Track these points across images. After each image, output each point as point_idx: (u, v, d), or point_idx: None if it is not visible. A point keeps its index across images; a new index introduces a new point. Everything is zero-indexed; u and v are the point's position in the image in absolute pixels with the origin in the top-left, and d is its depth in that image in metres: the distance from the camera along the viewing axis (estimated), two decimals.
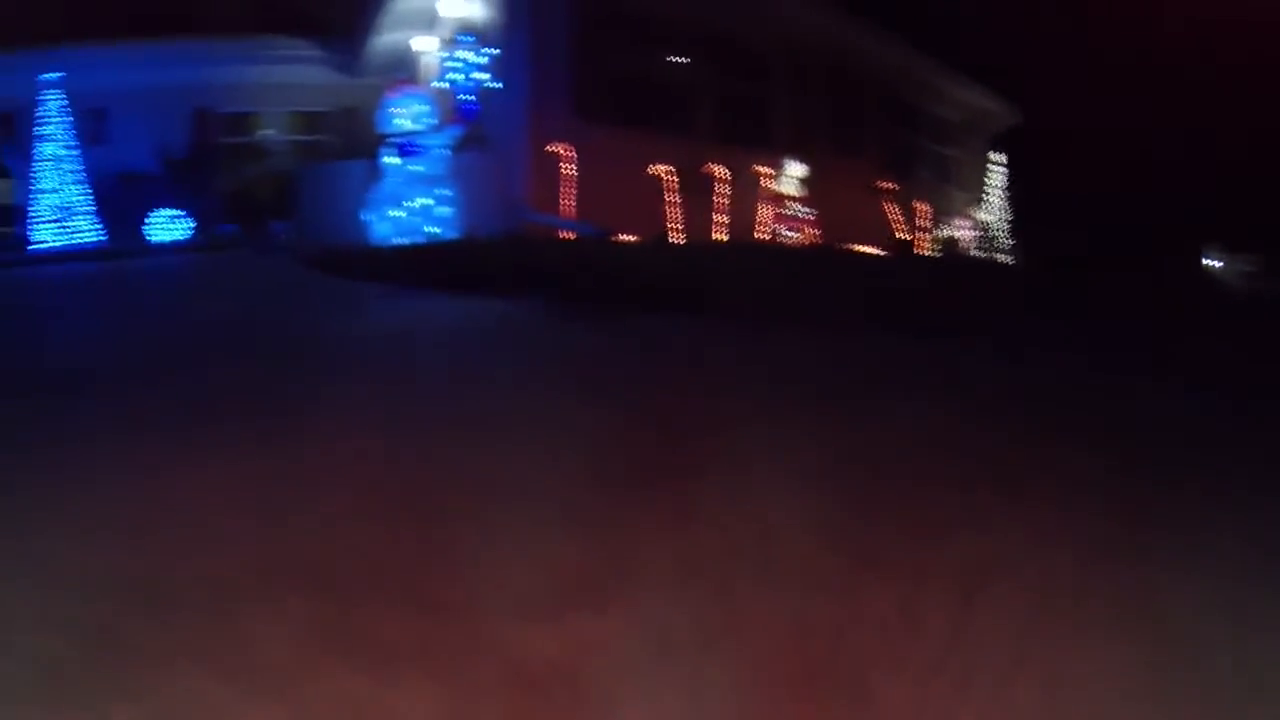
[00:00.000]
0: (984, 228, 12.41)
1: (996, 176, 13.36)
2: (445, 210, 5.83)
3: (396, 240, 5.69)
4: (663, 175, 7.31)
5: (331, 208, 6.19)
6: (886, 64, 11.16)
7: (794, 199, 8.42)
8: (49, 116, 10.42)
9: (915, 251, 10.45)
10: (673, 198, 7.33)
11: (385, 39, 10.32)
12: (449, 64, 6.26)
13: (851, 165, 10.43)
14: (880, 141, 11.18)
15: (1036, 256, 12.42)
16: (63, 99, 10.56)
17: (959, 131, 13.46)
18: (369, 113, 12.47)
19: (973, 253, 11.66)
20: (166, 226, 10.18)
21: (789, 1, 9.35)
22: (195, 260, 6.91)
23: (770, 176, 8.38)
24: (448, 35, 8.99)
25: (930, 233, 11.07)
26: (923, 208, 10.84)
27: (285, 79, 12.03)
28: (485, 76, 6.24)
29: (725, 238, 7.80)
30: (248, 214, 6.32)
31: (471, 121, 6.13)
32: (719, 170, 7.91)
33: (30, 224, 10.18)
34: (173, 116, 11.85)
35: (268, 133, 12.17)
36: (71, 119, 10.67)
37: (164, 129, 11.76)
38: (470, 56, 6.23)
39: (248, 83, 11.99)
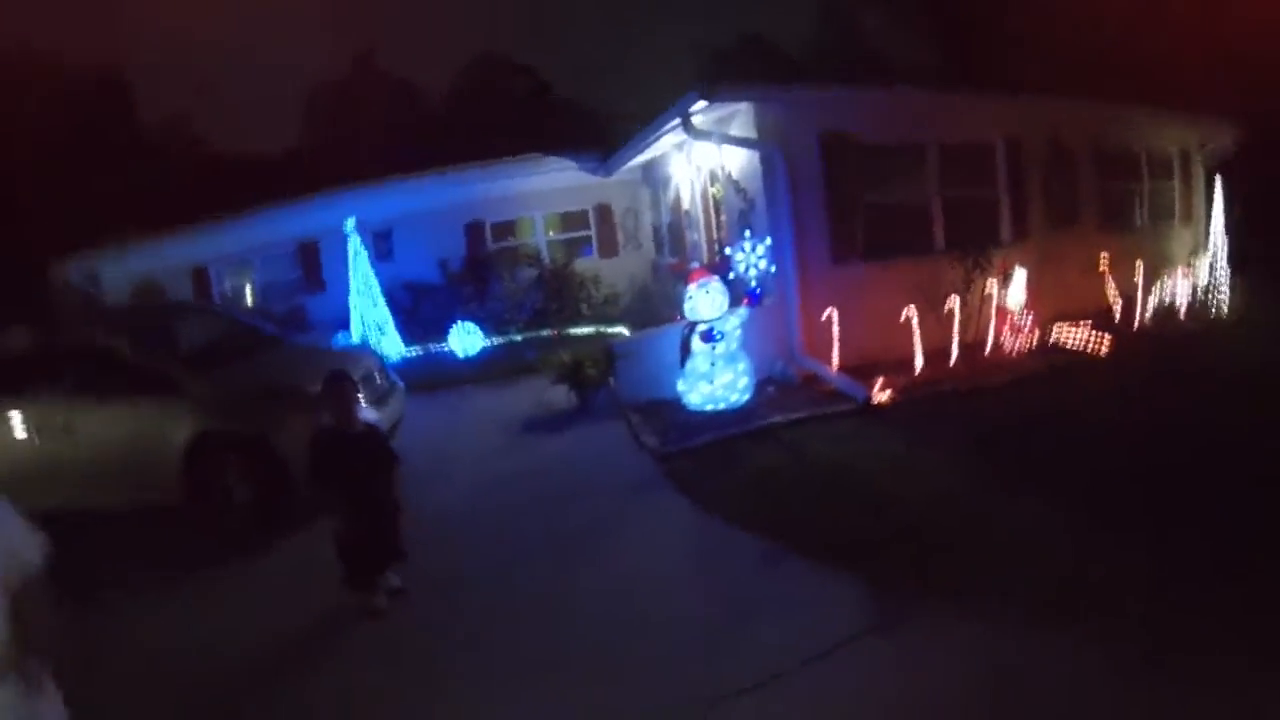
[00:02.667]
0: (1206, 279, 12.70)
1: (1218, 212, 13.49)
2: (746, 378, 7.52)
3: (708, 407, 7.46)
4: (909, 304, 8.68)
5: (646, 370, 8.03)
6: (1098, 122, 11.84)
7: (1019, 307, 9.55)
8: (354, 249, 13.05)
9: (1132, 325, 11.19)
10: (918, 321, 8.69)
11: (638, 157, 12.32)
12: (737, 257, 7.90)
13: (1069, 237, 11.31)
14: (1096, 201, 11.88)
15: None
16: (361, 234, 13.19)
17: (1177, 164, 13.82)
18: (618, 207, 14.81)
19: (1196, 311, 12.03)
20: (463, 339, 12.62)
21: (1010, 103, 10.44)
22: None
23: (999, 286, 9.54)
24: (704, 176, 10.82)
25: (1148, 298, 11.66)
26: (1139, 271, 11.43)
27: (543, 187, 14.39)
28: (765, 265, 7.83)
29: (957, 352, 9.11)
30: (581, 385, 8.24)
31: (755, 303, 7.78)
32: (952, 286, 9.21)
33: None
34: (447, 231, 14.45)
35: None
36: (368, 246, 13.34)
37: (441, 243, 14.37)
38: (751, 249, 7.85)
39: (512, 194, 14.44)
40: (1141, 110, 12.48)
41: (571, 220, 15.18)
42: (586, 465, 6.87)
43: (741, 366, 7.56)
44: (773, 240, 8.36)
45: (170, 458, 6.23)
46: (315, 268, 14.88)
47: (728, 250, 8.21)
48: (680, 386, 7.70)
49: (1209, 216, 13.49)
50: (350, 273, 12.98)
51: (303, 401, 6.11)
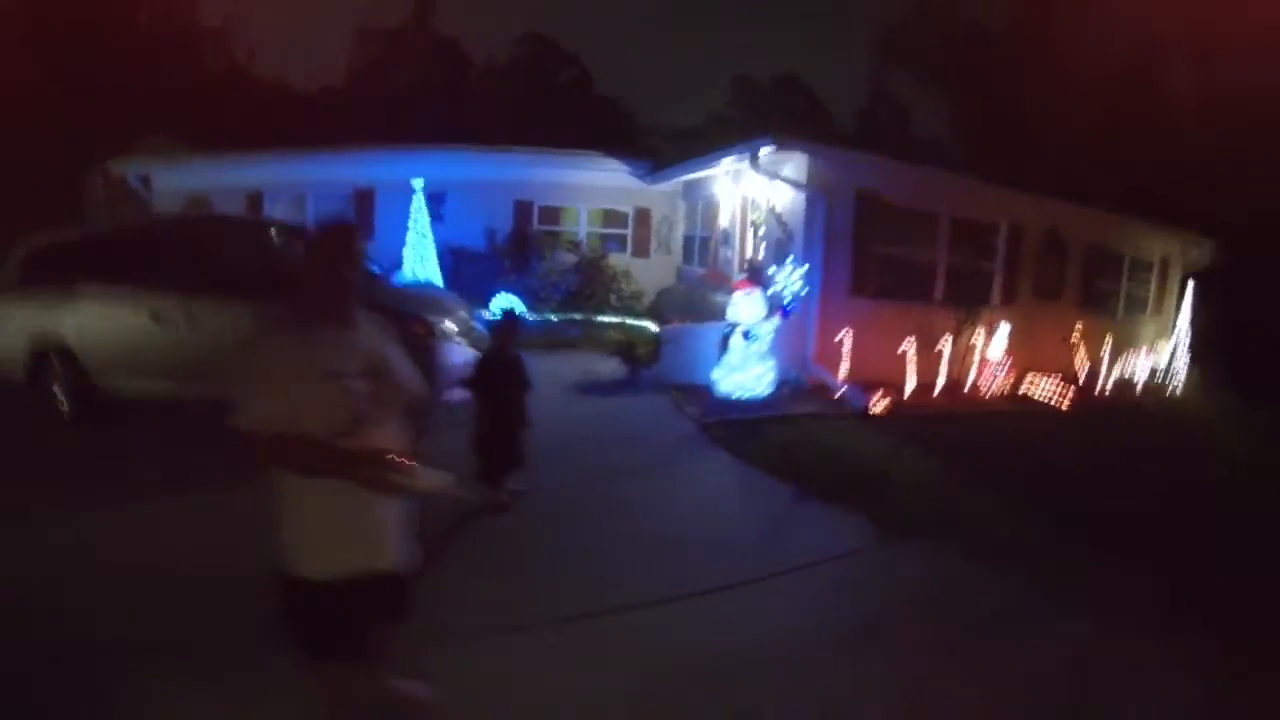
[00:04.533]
0: (1165, 364, 15.21)
1: (1185, 310, 16.02)
2: (770, 376, 9.72)
3: (736, 394, 9.63)
4: (907, 339, 10.96)
5: (687, 358, 10.20)
6: (1092, 224, 14.33)
7: (998, 359, 11.88)
8: (417, 207, 15.05)
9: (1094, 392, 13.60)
10: (913, 356, 10.97)
11: (689, 174, 14.56)
12: (778, 277, 10.11)
13: (1051, 310, 13.74)
14: (1079, 285, 14.36)
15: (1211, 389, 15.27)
16: (424, 192, 15.19)
17: (1157, 266, 16.40)
18: (657, 214, 17.02)
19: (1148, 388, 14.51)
20: (504, 308, 14.64)
21: (1017, 195, 12.88)
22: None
23: (984, 338, 11.87)
24: (746, 203, 13.04)
25: (1110, 371, 14.11)
26: (1107, 348, 13.90)
27: (592, 182, 16.55)
28: (801, 287, 10.05)
29: (941, 385, 11.41)
30: (632, 361, 10.36)
31: (786, 317, 9.98)
32: (947, 333, 11.52)
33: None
34: (498, 205, 16.52)
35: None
36: (426, 204, 15.35)
37: (490, 214, 16.43)
38: (792, 272, 10.07)
39: (563, 183, 16.57)
40: (1132, 221, 15.01)
41: (612, 217, 17.35)
42: (640, 422, 9.01)
43: (769, 365, 9.76)
44: (807, 268, 10.58)
45: None
46: (368, 214, 16.76)
47: (771, 270, 10.37)
48: (715, 374, 9.86)
49: (1178, 313, 16.03)
50: (408, 227, 14.91)
51: (427, 328, 8.06)
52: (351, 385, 2.49)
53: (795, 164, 10.99)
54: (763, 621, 4.79)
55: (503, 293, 14.74)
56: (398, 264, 14.92)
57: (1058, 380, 12.76)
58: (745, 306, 9.70)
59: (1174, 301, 16.76)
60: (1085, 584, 5.57)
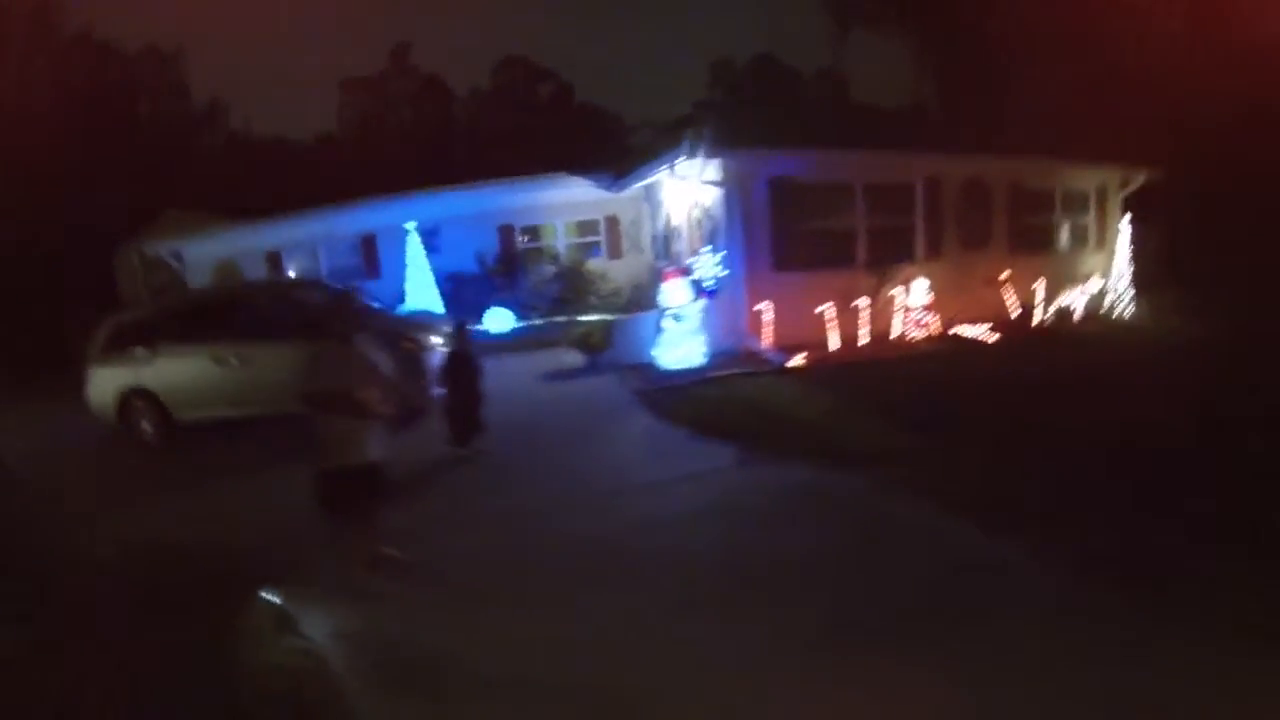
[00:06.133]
0: (1106, 291, 16.98)
1: (1125, 236, 17.72)
2: (703, 349, 11.97)
3: (674, 366, 11.88)
4: (827, 302, 13.08)
5: (634, 343, 12.49)
6: (1015, 169, 16.17)
7: (921, 308, 13.90)
8: (414, 247, 17.64)
9: (1029, 325, 15.44)
10: (833, 318, 13.09)
11: (640, 182, 16.88)
12: (697, 265, 12.35)
13: (980, 256, 15.54)
14: (1008, 228, 16.16)
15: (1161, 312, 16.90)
16: (418, 231, 17.78)
17: (1094, 200, 18.11)
18: (624, 219, 19.40)
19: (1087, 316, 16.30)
20: (497, 319, 17.15)
21: (930, 155, 14.88)
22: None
23: (904, 291, 13.92)
24: (690, 200, 15.29)
25: (1045, 306, 15.95)
26: (1041, 284, 15.74)
27: (565, 199, 19.02)
28: (720, 270, 12.28)
29: (867, 340, 13.48)
30: (589, 350, 12.69)
31: (711, 297, 12.21)
32: (866, 291, 13.61)
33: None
34: (484, 231, 19.05)
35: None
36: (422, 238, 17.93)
37: (479, 240, 18.95)
38: (710, 259, 12.29)
39: (539, 204, 19.07)
40: (1057, 161, 16.76)
41: (586, 227, 19.80)
42: (590, 398, 11.37)
43: (700, 340, 12.01)
44: (730, 252, 12.78)
45: None
46: (373, 257, 19.44)
47: (689, 260, 12.62)
48: (654, 352, 12.13)
49: (1115, 247, 17.75)
50: (407, 265, 17.52)
51: (416, 343, 10.56)
52: None
53: (714, 165, 13.16)
54: (677, 505, 7.19)
55: (495, 307, 17.27)
56: (402, 296, 17.57)
57: (990, 321, 14.68)
58: (673, 292, 11.96)
59: (1116, 233, 18.35)
60: (929, 468, 7.46)
